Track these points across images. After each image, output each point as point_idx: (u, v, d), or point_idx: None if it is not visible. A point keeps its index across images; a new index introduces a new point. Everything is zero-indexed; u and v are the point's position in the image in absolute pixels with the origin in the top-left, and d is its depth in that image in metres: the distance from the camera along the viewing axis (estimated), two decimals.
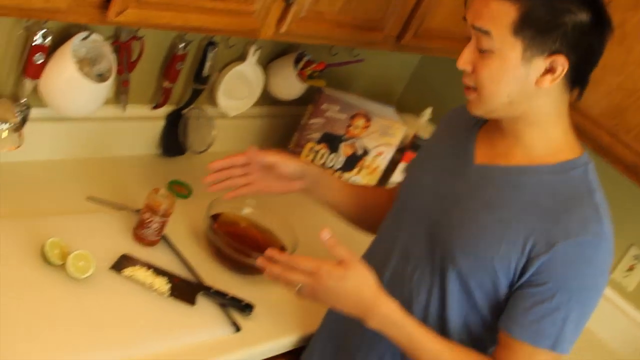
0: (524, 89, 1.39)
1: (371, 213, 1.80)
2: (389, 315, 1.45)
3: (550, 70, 1.37)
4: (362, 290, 1.44)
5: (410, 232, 1.56)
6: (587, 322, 1.45)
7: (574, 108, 1.52)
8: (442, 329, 1.50)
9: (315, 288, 1.44)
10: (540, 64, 1.36)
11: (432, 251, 1.51)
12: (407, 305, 1.51)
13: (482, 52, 1.38)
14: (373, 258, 1.61)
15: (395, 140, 2.46)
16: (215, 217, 1.94)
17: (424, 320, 1.51)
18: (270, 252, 1.48)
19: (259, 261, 1.49)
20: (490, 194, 1.46)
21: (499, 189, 1.46)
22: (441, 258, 1.49)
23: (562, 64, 1.36)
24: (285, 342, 1.80)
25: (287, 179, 1.72)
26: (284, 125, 2.53)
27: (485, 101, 1.42)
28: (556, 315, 1.40)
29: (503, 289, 1.44)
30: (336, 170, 2.45)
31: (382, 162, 2.48)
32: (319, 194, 1.78)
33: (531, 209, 1.42)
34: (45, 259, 1.62)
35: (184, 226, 1.92)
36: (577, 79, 1.41)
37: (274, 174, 1.70)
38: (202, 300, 1.74)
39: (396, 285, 1.55)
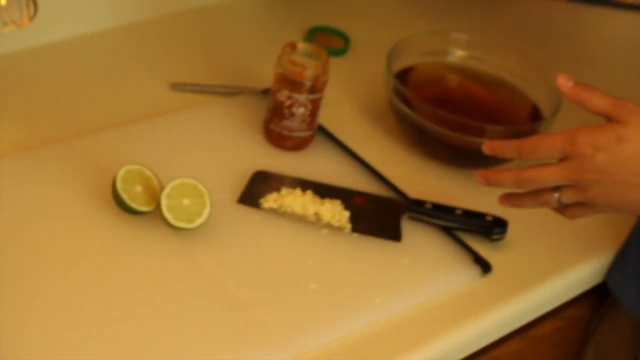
0: None
1: None
2: None
3: None
4: None
5: None
6: None
7: None
8: None
9: (582, 182, 0.90)
10: None
11: None
12: None
13: None
14: None
15: None
16: (403, 77, 1.21)
17: None
18: (489, 144, 0.95)
19: (477, 176, 0.95)
20: None
21: None
22: None
23: None
24: (570, 279, 1.07)
25: None
26: None
27: None
28: None
29: None
30: None
31: None
32: None
33: None
34: (122, 205, 0.99)
35: (348, 104, 1.23)
36: None
37: None
38: (409, 226, 1.04)
39: None
